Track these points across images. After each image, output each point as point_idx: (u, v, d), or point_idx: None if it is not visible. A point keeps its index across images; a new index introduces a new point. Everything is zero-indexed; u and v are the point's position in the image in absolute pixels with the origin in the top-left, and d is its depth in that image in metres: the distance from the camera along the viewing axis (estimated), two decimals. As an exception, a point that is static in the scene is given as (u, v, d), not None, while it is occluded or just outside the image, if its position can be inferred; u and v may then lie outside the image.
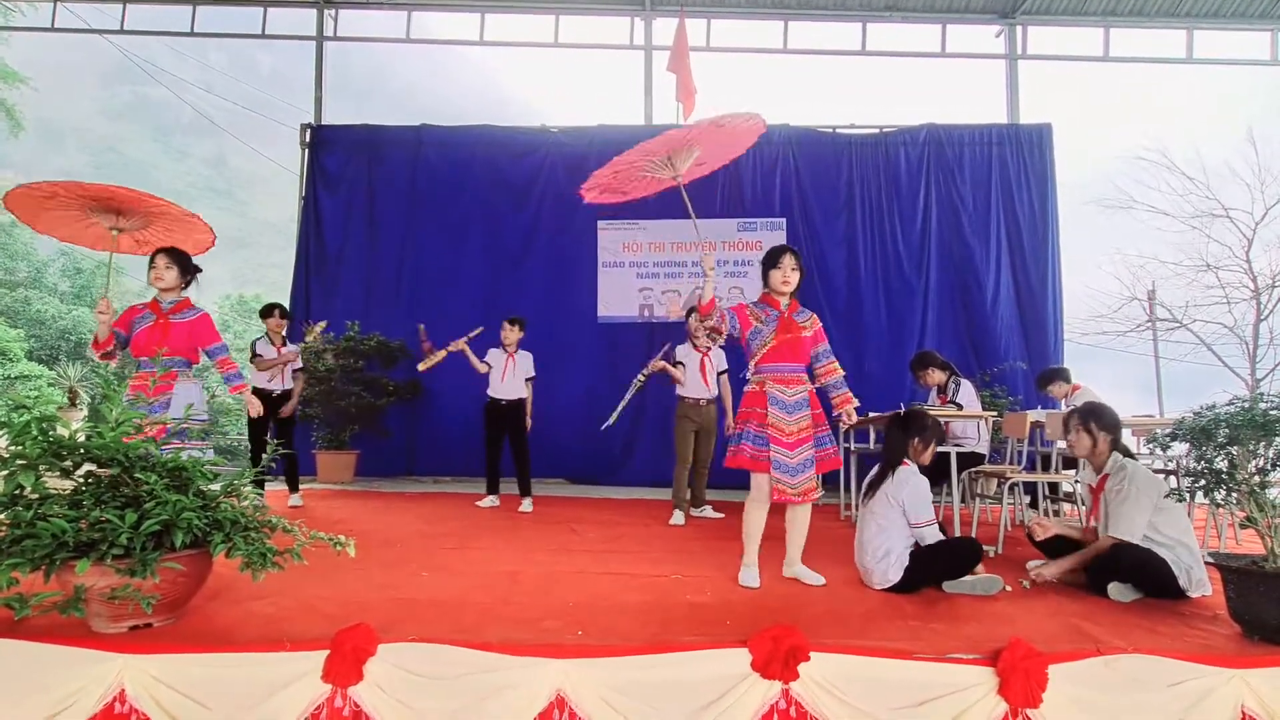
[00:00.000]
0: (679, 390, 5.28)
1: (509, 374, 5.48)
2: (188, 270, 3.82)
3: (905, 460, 3.12)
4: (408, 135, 8.51)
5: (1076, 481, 4.34)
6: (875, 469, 3.21)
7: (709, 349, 5.30)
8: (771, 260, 3.33)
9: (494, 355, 5.56)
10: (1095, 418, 3.21)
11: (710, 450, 5.33)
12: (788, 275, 3.28)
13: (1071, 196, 9.36)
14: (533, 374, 5.64)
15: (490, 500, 5.58)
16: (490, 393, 5.51)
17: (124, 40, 10.32)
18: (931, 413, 3.52)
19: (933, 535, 2.98)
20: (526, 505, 5.40)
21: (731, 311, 3.30)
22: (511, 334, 5.55)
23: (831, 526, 4.91)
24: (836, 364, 3.33)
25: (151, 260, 3.76)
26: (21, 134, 19.97)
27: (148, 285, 3.83)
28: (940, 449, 3.76)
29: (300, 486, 5.62)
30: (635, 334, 8.02)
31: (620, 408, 5.67)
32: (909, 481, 3.02)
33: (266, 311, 5.60)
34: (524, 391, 5.57)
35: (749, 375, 3.32)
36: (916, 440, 3.18)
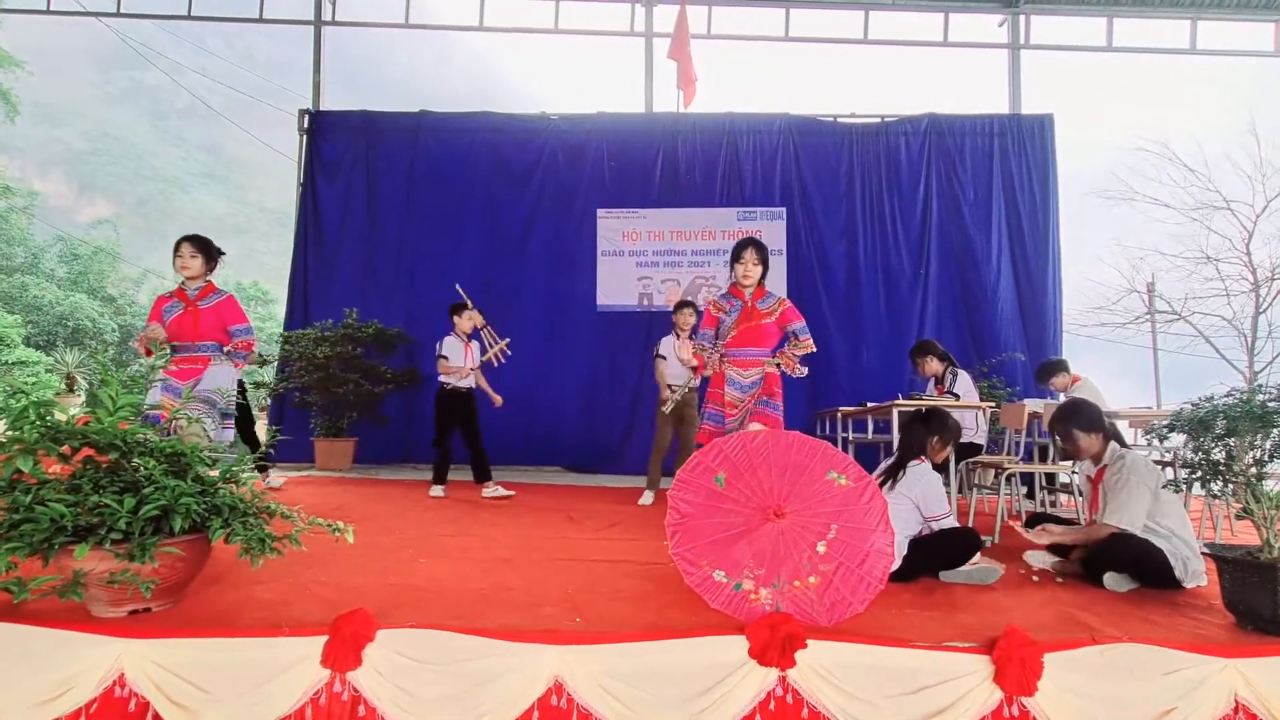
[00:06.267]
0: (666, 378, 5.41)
1: (469, 362, 5.44)
2: (212, 256, 4.01)
3: (921, 457, 3.13)
4: (407, 121, 8.46)
5: (1074, 473, 4.35)
6: (890, 459, 3.22)
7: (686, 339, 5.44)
8: (735, 255, 3.61)
9: (451, 344, 5.41)
10: (1074, 419, 3.15)
11: (692, 435, 5.37)
12: (748, 270, 3.58)
13: (1072, 187, 9.34)
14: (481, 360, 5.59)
15: (438, 490, 5.34)
16: (449, 380, 5.37)
17: (120, 24, 10.25)
18: (928, 403, 3.54)
19: (950, 525, 3.01)
20: (496, 490, 5.31)
21: (704, 331, 3.72)
22: (468, 322, 5.48)
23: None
24: (810, 341, 3.61)
25: (177, 248, 3.95)
26: (17, 118, 19.87)
27: (175, 272, 4.02)
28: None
29: (297, 474, 5.67)
30: (634, 323, 8.01)
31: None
32: (923, 478, 3.03)
33: None
34: (477, 379, 5.53)
35: (719, 358, 3.68)
36: (936, 439, 3.20)
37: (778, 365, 3.63)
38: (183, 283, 3.94)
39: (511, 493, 5.35)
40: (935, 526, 3.01)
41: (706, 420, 3.60)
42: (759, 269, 3.57)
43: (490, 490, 5.31)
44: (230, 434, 3.92)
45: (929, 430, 3.20)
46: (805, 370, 3.67)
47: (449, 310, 5.52)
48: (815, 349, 3.66)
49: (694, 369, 3.89)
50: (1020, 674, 1.94)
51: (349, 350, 7.47)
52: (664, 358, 5.39)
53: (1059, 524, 3.29)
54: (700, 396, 5.46)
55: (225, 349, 3.98)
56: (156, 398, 3.63)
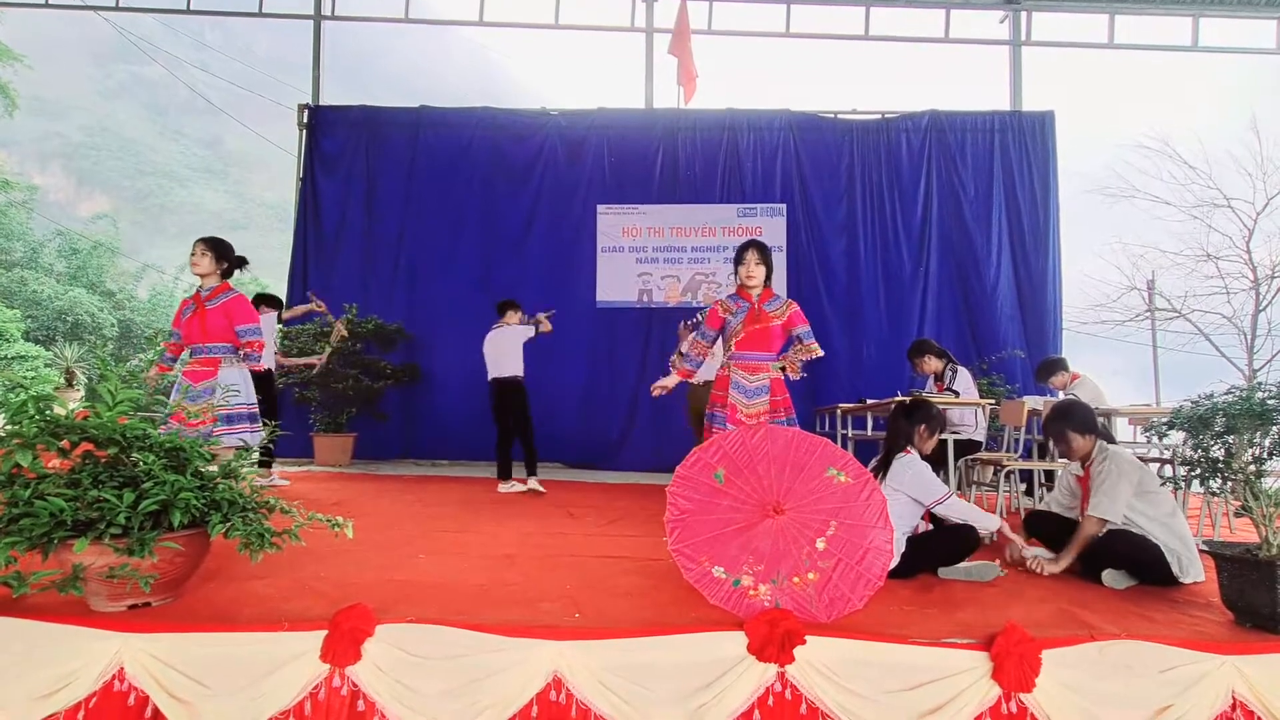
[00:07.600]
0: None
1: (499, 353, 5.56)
2: (224, 256, 4.01)
3: (908, 448, 3.12)
4: (407, 117, 8.44)
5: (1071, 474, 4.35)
6: (878, 456, 3.21)
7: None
8: (738, 257, 3.61)
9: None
10: (1068, 420, 3.17)
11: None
12: (751, 271, 3.56)
13: (1073, 184, 9.34)
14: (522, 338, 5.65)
15: (507, 485, 5.45)
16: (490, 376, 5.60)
17: (119, 18, 10.21)
18: (929, 400, 3.53)
19: (960, 506, 2.98)
20: (533, 484, 5.43)
21: (705, 328, 3.67)
22: (515, 317, 5.66)
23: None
24: (816, 345, 3.59)
25: (192, 248, 3.99)
26: (15, 112, 19.82)
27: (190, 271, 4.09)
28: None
29: (296, 469, 5.68)
30: (634, 319, 8.01)
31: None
32: (910, 468, 3.01)
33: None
34: (518, 366, 5.58)
35: (724, 360, 3.65)
36: (922, 427, 3.19)
37: (781, 369, 3.60)
38: (199, 285, 3.99)
39: (543, 490, 5.44)
40: (947, 514, 2.96)
41: (716, 425, 3.53)
42: (762, 269, 3.54)
43: (532, 484, 5.44)
44: (252, 436, 3.90)
45: (912, 421, 3.18)
46: (803, 373, 3.69)
47: (497, 309, 5.71)
48: (822, 354, 3.66)
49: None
50: (1019, 670, 1.94)
51: (348, 345, 7.46)
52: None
53: (1054, 526, 3.30)
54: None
55: (239, 352, 3.96)
56: (175, 397, 3.69)
